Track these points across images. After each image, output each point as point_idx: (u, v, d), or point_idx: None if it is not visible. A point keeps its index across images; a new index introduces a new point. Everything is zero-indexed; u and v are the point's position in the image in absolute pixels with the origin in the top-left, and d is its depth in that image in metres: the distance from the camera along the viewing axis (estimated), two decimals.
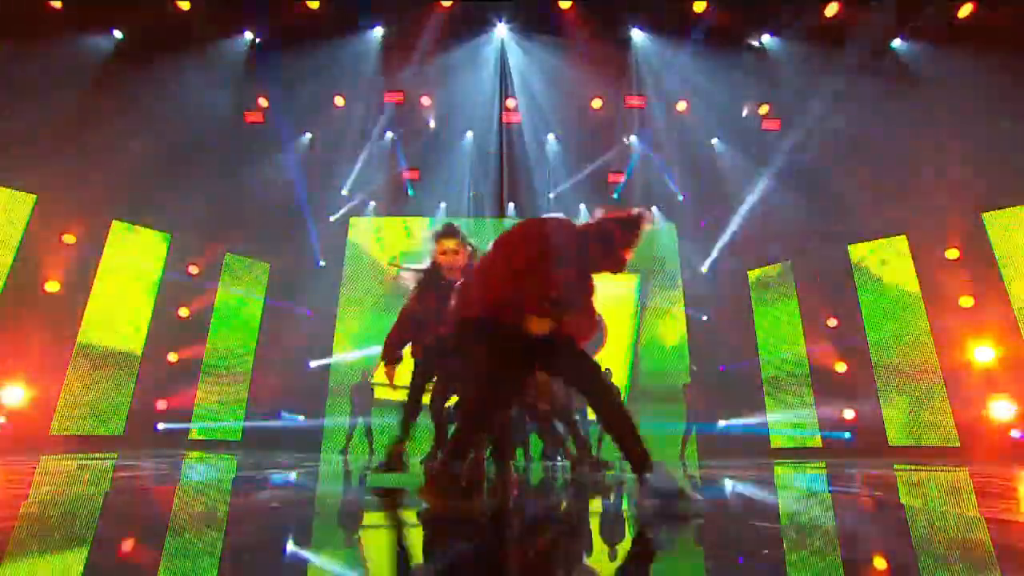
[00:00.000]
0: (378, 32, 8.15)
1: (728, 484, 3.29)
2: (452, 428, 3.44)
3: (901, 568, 1.14)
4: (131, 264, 8.12)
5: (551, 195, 10.41)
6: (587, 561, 1.22)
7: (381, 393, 7.73)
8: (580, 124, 9.52)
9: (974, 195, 7.40)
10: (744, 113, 9.05)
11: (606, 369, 7.58)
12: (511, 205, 10.64)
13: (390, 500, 2.31)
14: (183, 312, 8.66)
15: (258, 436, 8.69)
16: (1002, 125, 6.94)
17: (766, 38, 7.99)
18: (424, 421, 3.32)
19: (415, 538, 1.52)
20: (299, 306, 9.55)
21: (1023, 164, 6.96)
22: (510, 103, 9.09)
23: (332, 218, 10.48)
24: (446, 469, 1.92)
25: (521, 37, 8.39)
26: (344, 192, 10.39)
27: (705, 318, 9.98)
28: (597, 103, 9.15)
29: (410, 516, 1.86)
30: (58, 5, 6.86)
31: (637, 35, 8.30)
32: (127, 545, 1.31)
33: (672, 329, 10.09)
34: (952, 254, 7.66)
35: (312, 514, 1.91)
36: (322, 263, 10.23)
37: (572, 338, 2.13)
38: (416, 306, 3.05)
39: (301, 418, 8.95)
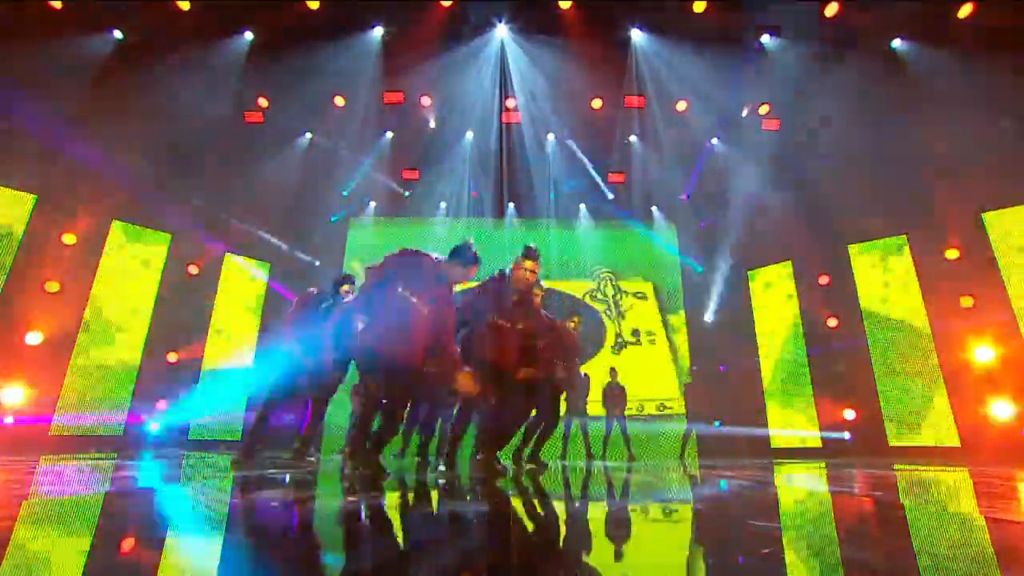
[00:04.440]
0: (378, 32, 8.15)
1: (727, 484, 3.29)
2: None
3: (901, 568, 1.14)
4: (131, 264, 8.13)
5: (551, 195, 10.44)
6: (585, 559, 1.22)
7: None
8: (580, 124, 9.53)
9: (974, 195, 7.40)
10: (744, 113, 9.05)
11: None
12: (511, 205, 10.65)
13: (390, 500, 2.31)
14: (183, 312, 8.65)
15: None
16: (1002, 125, 6.94)
17: (766, 38, 7.99)
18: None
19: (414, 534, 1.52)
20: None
21: (1023, 164, 6.96)
22: (510, 103, 9.09)
23: (333, 219, 10.50)
24: None
25: (521, 37, 8.39)
26: (345, 194, 10.41)
27: (709, 318, 10.01)
28: (597, 103, 9.15)
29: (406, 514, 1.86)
30: (58, 5, 6.86)
31: (637, 35, 8.29)
32: (127, 545, 1.31)
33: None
34: (952, 254, 7.66)
35: (311, 513, 1.91)
36: (317, 263, 10.26)
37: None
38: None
39: None
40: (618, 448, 7.82)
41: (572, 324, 5.09)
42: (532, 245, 3.69)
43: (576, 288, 10.41)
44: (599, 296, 10.35)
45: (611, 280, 10.41)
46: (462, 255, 3.12)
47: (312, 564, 1.16)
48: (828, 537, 1.54)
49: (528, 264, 3.59)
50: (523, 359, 3.76)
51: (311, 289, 4.63)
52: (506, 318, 3.60)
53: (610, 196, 10.48)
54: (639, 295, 10.30)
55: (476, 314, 3.60)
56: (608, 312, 10.21)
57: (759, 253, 9.72)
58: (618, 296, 10.31)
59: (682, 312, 10.20)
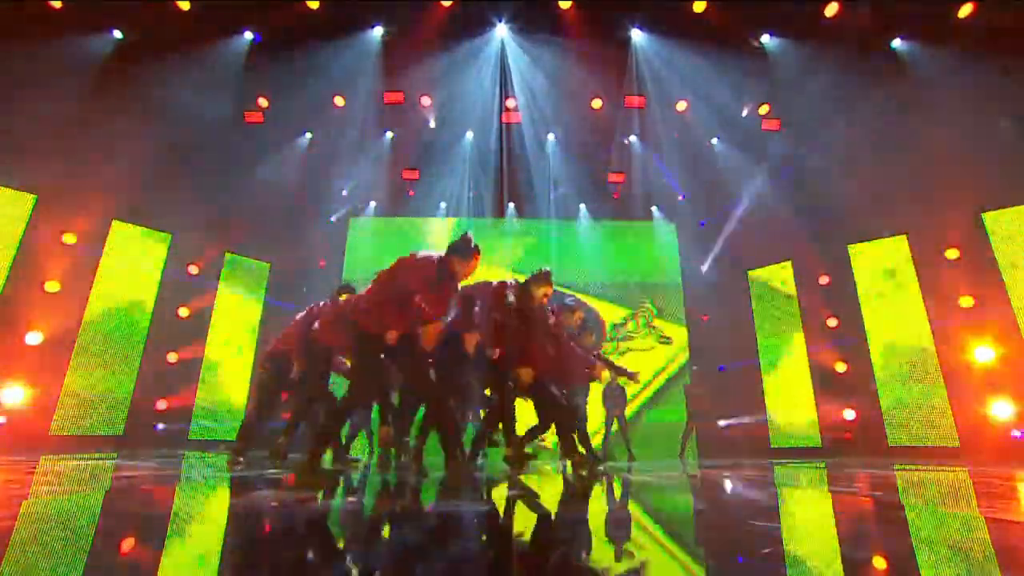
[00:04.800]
0: (378, 32, 8.15)
1: (727, 483, 3.29)
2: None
3: (901, 568, 1.14)
4: (131, 264, 8.13)
5: (551, 195, 10.43)
6: (585, 560, 1.22)
7: None
8: (580, 124, 9.53)
9: (974, 195, 7.40)
10: (744, 113, 9.05)
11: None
12: (511, 205, 10.66)
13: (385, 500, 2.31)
14: (183, 312, 8.65)
15: (257, 435, 8.68)
16: (1002, 125, 6.94)
17: (766, 38, 7.99)
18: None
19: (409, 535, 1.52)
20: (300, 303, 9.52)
21: (1023, 164, 6.96)
22: (510, 103, 9.09)
23: (333, 218, 10.50)
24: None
25: (521, 37, 8.39)
26: (344, 192, 10.41)
27: (706, 318, 10.01)
28: (597, 103, 9.15)
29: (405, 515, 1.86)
30: (58, 5, 6.86)
31: (637, 35, 8.29)
32: (127, 545, 1.31)
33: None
34: (952, 254, 7.66)
35: (311, 513, 1.91)
36: (322, 264, 10.27)
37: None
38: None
39: None
40: (618, 448, 7.82)
41: (574, 319, 4.77)
42: (548, 270, 3.88)
43: (611, 314, 10.25)
44: (625, 329, 10.17)
45: (646, 317, 10.19)
46: (460, 250, 3.21)
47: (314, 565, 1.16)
48: (828, 537, 1.54)
49: (548, 289, 3.82)
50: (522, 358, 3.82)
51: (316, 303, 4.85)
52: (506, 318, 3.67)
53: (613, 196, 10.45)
54: (664, 339, 10.09)
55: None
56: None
57: (759, 253, 9.72)
58: (636, 332, 10.10)
59: (682, 312, 10.19)
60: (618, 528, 1.69)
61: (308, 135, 9.65)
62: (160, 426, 8.03)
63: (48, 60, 6.77)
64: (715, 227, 10.26)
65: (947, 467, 5.19)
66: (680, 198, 10.44)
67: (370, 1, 7.77)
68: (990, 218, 7.38)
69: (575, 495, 2.65)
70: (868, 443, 7.95)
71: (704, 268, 10.33)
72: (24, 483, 2.69)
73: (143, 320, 8.13)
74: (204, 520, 1.74)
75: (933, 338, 7.70)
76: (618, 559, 1.22)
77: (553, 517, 1.92)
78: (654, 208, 10.74)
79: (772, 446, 8.86)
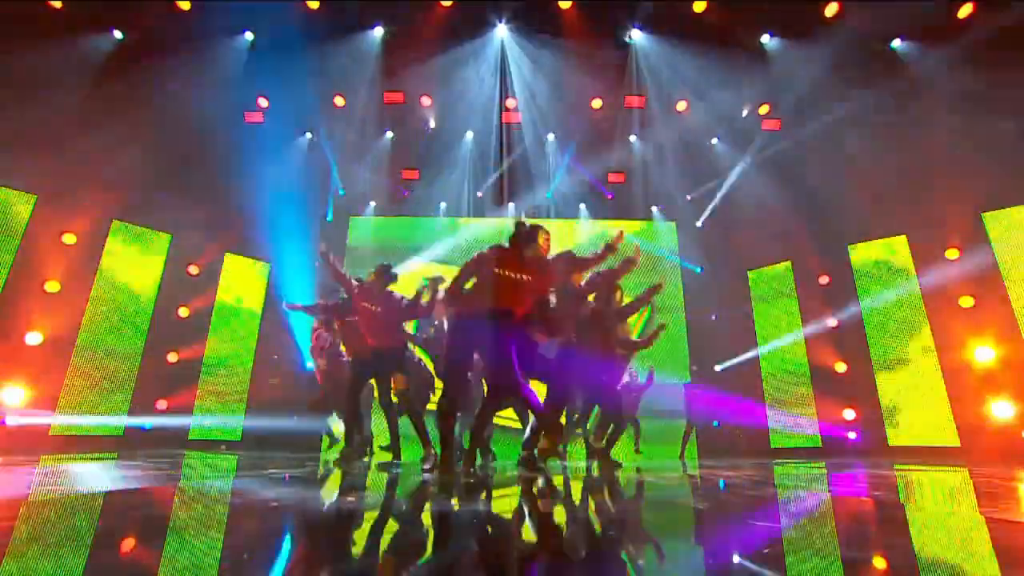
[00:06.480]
0: (378, 32, 8.15)
1: (727, 484, 3.29)
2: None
3: (901, 568, 1.14)
4: (131, 264, 8.12)
5: (551, 195, 10.44)
6: (583, 559, 1.22)
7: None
8: (580, 124, 9.53)
9: (974, 195, 7.40)
10: (744, 113, 9.04)
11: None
12: (511, 205, 10.66)
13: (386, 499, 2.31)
14: (183, 312, 8.65)
15: (257, 436, 8.69)
16: (1002, 125, 6.94)
17: (766, 38, 7.99)
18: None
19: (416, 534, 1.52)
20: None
21: (1023, 164, 6.96)
22: (510, 103, 9.09)
23: (329, 218, 10.50)
24: None
25: (521, 37, 8.39)
26: (344, 192, 10.41)
27: (714, 317, 10.01)
28: (597, 103, 9.15)
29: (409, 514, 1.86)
30: (58, 5, 6.86)
31: (637, 35, 8.30)
32: (127, 545, 1.31)
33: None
34: (952, 254, 7.66)
35: (311, 513, 1.91)
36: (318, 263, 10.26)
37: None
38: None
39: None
40: (619, 448, 7.81)
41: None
42: (524, 220, 3.82)
43: None
44: None
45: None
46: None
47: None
48: (828, 537, 1.54)
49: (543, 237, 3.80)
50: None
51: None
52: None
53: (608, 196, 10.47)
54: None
55: None
56: None
57: (759, 253, 9.72)
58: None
59: (682, 312, 10.18)
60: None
61: (308, 135, 9.65)
62: (148, 426, 7.92)
63: (48, 60, 6.76)
64: (715, 227, 10.25)
65: (947, 467, 5.19)
66: (688, 198, 10.44)
67: (370, 1, 7.77)
68: (990, 218, 7.38)
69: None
70: (868, 443, 7.96)
71: (703, 269, 10.32)
72: (24, 483, 2.69)
73: (143, 320, 8.12)
74: (203, 520, 1.74)
75: (933, 338, 7.70)
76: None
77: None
78: (654, 208, 10.74)
79: (772, 446, 8.85)
